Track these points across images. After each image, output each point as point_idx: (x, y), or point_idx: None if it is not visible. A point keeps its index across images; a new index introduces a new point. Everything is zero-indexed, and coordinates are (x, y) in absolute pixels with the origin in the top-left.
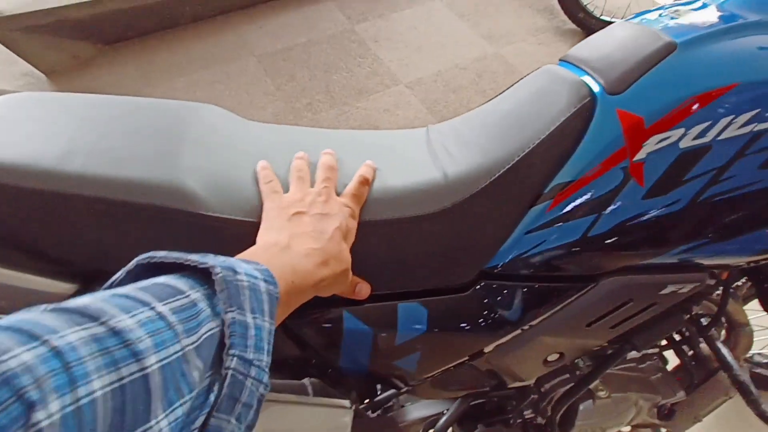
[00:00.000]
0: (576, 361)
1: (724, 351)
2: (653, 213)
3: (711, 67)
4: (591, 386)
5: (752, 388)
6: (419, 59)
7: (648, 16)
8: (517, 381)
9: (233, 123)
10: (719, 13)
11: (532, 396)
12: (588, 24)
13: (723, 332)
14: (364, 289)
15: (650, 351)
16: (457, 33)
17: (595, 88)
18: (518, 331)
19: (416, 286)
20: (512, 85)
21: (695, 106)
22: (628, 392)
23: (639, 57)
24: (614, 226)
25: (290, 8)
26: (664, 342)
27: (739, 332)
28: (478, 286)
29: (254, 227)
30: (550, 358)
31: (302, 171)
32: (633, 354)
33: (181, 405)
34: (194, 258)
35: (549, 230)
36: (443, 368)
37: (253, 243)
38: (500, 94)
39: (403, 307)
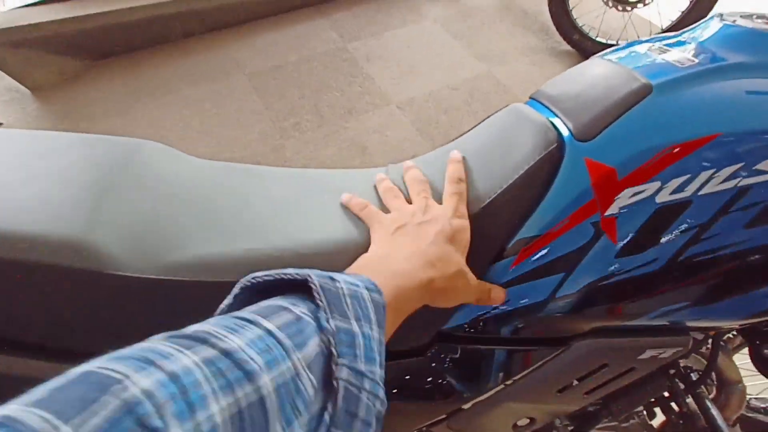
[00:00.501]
0: (555, 420)
1: (714, 411)
2: (628, 272)
3: (690, 114)
4: None
5: None
6: (411, 79)
7: (637, 48)
8: None
9: (174, 162)
10: (700, 53)
11: None
12: (583, 45)
13: (714, 389)
14: (500, 293)
15: (635, 408)
16: (451, 53)
17: (564, 133)
18: (481, 397)
19: None
20: (479, 123)
21: (672, 158)
22: None
23: (611, 100)
24: (585, 286)
25: (283, 26)
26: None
27: (730, 390)
28: (435, 349)
29: (174, 286)
30: (520, 423)
31: (393, 190)
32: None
33: (298, 423)
34: (291, 271)
35: (513, 289)
36: None
37: (174, 302)
38: (466, 132)
39: None
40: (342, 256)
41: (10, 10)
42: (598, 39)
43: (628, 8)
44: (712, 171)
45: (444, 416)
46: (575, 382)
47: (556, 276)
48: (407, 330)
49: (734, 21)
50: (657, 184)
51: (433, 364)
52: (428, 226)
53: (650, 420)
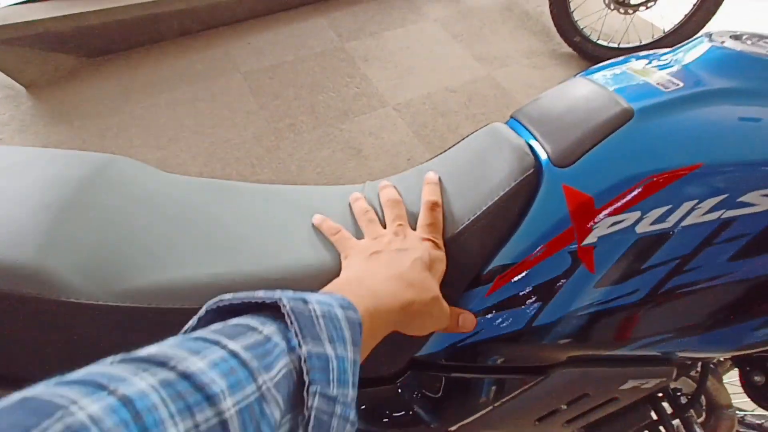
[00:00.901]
0: None
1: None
2: (607, 303)
3: (672, 141)
4: None
5: None
6: (409, 80)
7: (621, 66)
8: None
9: (143, 179)
10: (685, 75)
11: None
12: (584, 48)
13: (703, 413)
14: (468, 321)
15: None
16: (450, 54)
17: (542, 157)
18: (455, 426)
19: None
20: (458, 142)
21: (653, 188)
22: None
23: (591, 125)
24: (563, 316)
25: (280, 24)
26: None
27: (719, 415)
28: (407, 376)
29: (132, 313)
30: None
31: (369, 212)
32: None
33: None
34: (261, 294)
35: (489, 317)
36: None
37: (132, 329)
38: (445, 151)
39: None
40: (312, 281)
41: (3, 7)
42: (599, 41)
43: (630, 11)
44: (694, 202)
45: None
46: (555, 412)
47: (533, 305)
48: (380, 357)
49: (723, 42)
50: (637, 214)
51: (406, 393)
52: (405, 253)
53: None
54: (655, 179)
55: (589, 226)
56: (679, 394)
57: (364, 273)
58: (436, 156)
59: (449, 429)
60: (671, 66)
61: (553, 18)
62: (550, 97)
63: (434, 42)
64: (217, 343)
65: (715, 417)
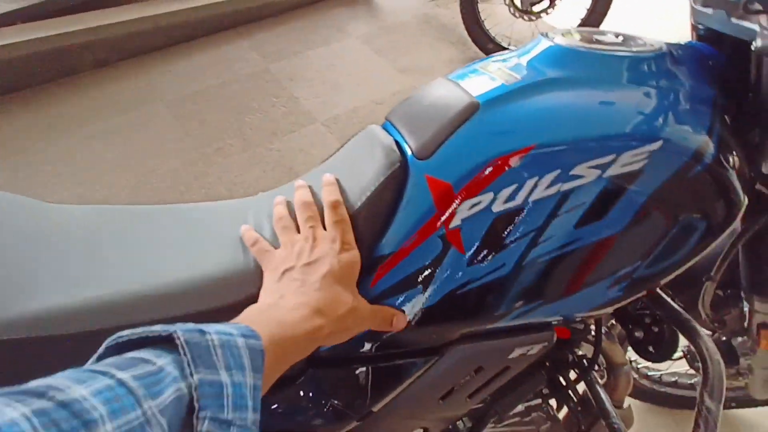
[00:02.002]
0: (458, 423)
1: (603, 395)
2: (481, 279)
3: (511, 127)
4: None
5: None
6: (336, 96)
7: (477, 66)
8: None
9: (25, 213)
10: (525, 70)
11: None
12: None
13: (605, 374)
14: (401, 320)
15: (533, 402)
16: (374, 68)
17: (408, 152)
18: (364, 417)
19: None
20: (342, 146)
21: (499, 170)
22: None
23: (444, 119)
24: (444, 297)
25: (202, 50)
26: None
27: (617, 373)
28: (306, 375)
29: (8, 346)
30: None
31: (284, 219)
32: (518, 408)
33: None
34: (157, 328)
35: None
36: None
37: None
38: (329, 157)
39: None
40: (222, 291)
41: None
42: (510, 47)
43: (534, 17)
44: (535, 179)
45: None
46: (456, 388)
47: (415, 290)
48: None
49: (556, 40)
50: (490, 195)
51: (307, 391)
52: (315, 267)
53: (557, 412)
54: (499, 162)
55: (452, 210)
56: (584, 360)
57: (277, 299)
58: (325, 160)
59: (360, 419)
60: (515, 63)
61: (466, 28)
62: (415, 97)
63: (358, 58)
64: (105, 373)
65: (614, 375)
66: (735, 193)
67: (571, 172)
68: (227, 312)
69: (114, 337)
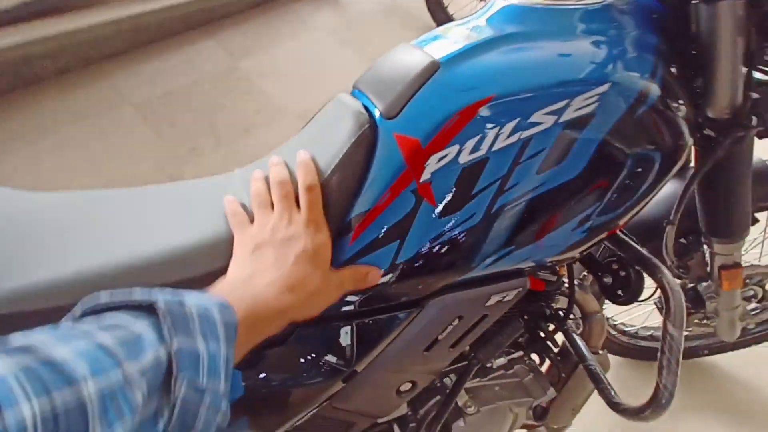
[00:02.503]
0: (445, 379)
1: (579, 342)
2: (453, 230)
3: (470, 81)
4: (460, 404)
5: (603, 377)
6: (306, 89)
7: (437, 31)
8: (379, 418)
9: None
10: (482, 29)
11: (411, 425)
12: None
13: (581, 323)
14: (374, 275)
15: (515, 355)
16: (342, 59)
17: (376, 114)
18: (354, 373)
19: None
20: (312, 117)
21: (462, 122)
22: (498, 402)
23: (408, 79)
24: (420, 249)
25: (167, 51)
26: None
27: (591, 321)
28: (296, 334)
29: None
30: (402, 389)
31: (261, 195)
32: (500, 361)
33: (122, 427)
34: (137, 296)
35: (357, 263)
36: (286, 427)
37: None
38: (303, 128)
39: None
40: (195, 263)
41: None
42: None
43: None
44: (497, 129)
45: (326, 398)
46: (439, 339)
47: (393, 244)
48: None
49: (510, 1)
50: (456, 147)
51: (296, 351)
52: (289, 245)
53: (540, 365)
54: (462, 115)
55: (422, 165)
56: (560, 312)
57: (250, 272)
58: (295, 135)
59: (349, 376)
60: (474, 25)
61: (430, 14)
62: (380, 63)
63: (325, 50)
64: (87, 334)
65: (589, 323)
66: (680, 133)
67: (530, 120)
68: (200, 282)
69: (92, 299)
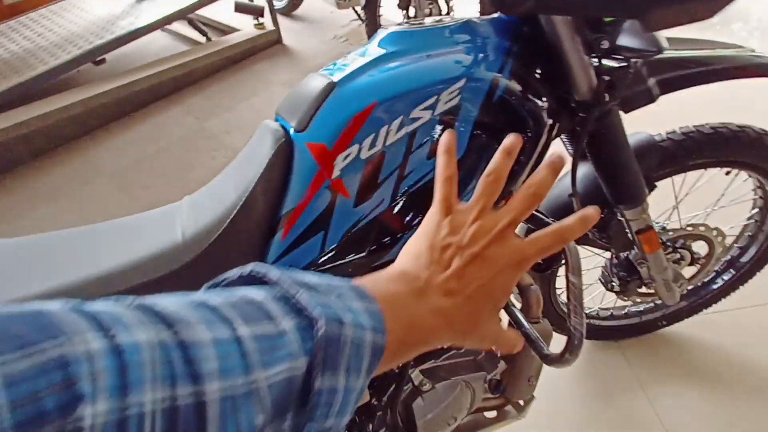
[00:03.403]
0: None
1: (518, 315)
2: (369, 216)
3: (359, 93)
4: (416, 383)
5: (541, 342)
6: None
7: (337, 61)
8: None
9: None
10: (369, 52)
11: (378, 413)
12: None
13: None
14: (519, 344)
15: None
16: None
17: (291, 130)
18: None
19: None
20: (245, 145)
21: (357, 125)
22: (452, 378)
23: (312, 98)
24: (343, 236)
25: (137, 122)
26: None
27: (527, 294)
28: None
29: None
30: None
31: (500, 177)
32: None
33: None
34: (304, 297)
35: (290, 256)
36: None
37: None
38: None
39: None
40: (158, 265)
41: None
42: None
43: None
44: (386, 127)
45: None
46: None
47: (318, 235)
48: None
49: (390, 29)
50: (357, 146)
51: None
52: (479, 266)
53: None
54: (355, 120)
55: (331, 164)
56: None
57: (424, 283)
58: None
59: None
60: (364, 51)
61: None
62: (293, 91)
63: None
64: (228, 321)
65: (525, 296)
66: (538, 115)
67: (411, 116)
68: (161, 282)
69: (252, 268)
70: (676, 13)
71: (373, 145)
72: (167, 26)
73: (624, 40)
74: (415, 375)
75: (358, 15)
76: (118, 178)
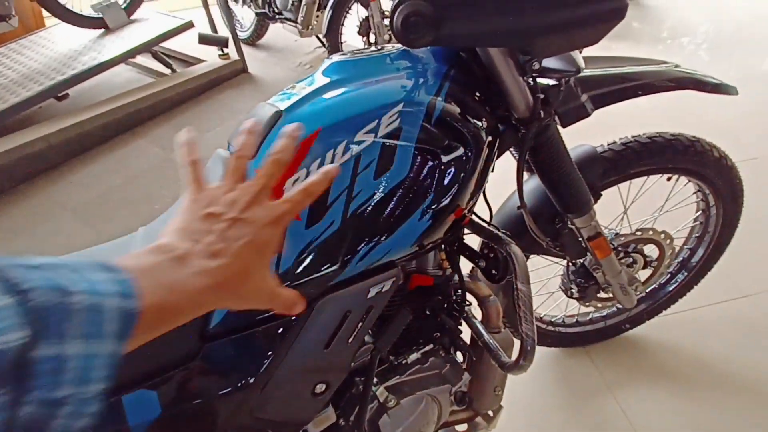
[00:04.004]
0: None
1: (479, 326)
2: (320, 237)
3: (305, 119)
4: (381, 400)
5: (499, 351)
6: None
7: (286, 90)
8: (304, 424)
9: None
10: (315, 82)
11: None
12: None
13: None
14: (299, 306)
15: (427, 348)
16: None
17: None
18: (265, 384)
19: (138, 373)
20: None
21: (304, 151)
22: (417, 393)
23: (263, 125)
24: (296, 258)
25: (101, 156)
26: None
27: (486, 305)
28: (204, 350)
29: None
30: (317, 390)
31: (239, 170)
32: (414, 357)
33: None
34: (19, 274)
35: None
36: None
37: None
38: None
39: (128, 399)
40: None
41: None
42: None
43: None
44: (331, 151)
45: (245, 409)
46: (335, 335)
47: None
48: (170, 341)
49: (333, 59)
50: (304, 171)
51: (207, 364)
52: (241, 228)
53: (452, 354)
54: (301, 146)
55: (281, 189)
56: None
57: (185, 250)
58: None
59: (262, 383)
60: (310, 80)
61: None
62: (243, 120)
63: None
64: None
65: (485, 307)
66: (476, 132)
67: (354, 140)
68: None
69: None
70: (560, 41)
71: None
72: (131, 59)
73: (548, 62)
74: (380, 392)
75: (322, 42)
76: (82, 212)
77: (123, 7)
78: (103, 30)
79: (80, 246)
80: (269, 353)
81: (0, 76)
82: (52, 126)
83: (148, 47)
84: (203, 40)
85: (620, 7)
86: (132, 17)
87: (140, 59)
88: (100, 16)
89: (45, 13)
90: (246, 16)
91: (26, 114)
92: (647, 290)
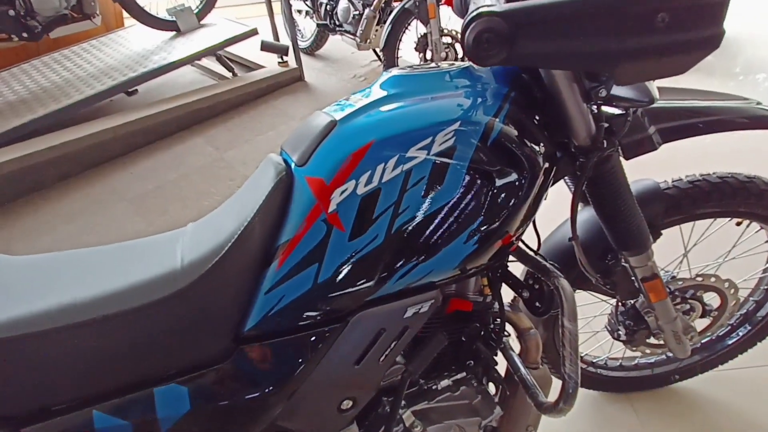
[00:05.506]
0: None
1: (516, 359)
2: (362, 251)
3: (358, 131)
4: (407, 425)
5: (537, 389)
6: None
7: (341, 100)
8: None
9: None
10: (374, 93)
11: None
12: None
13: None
14: None
15: (459, 376)
16: None
17: (292, 165)
18: (292, 394)
19: (172, 368)
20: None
21: (355, 162)
22: (444, 422)
23: (314, 135)
24: (336, 269)
25: (160, 151)
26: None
27: (526, 338)
28: (237, 352)
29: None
30: (343, 406)
31: None
32: (445, 383)
33: None
34: None
35: (284, 285)
36: None
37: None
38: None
39: (160, 391)
40: (152, 289)
41: None
42: None
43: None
44: (382, 164)
45: (271, 416)
46: (367, 352)
47: (313, 266)
48: (204, 340)
49: (392, 72)
50: (353, 182)
51: (238, 366)
52: None
53: (485, 385)
54: (353, 157)
55: (328, 198)
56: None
57: None
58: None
59: (291, 393)
60: (368, 92)
61: None
62: (298, 128)
63: None
64: None
65: (524, 340)
66: (533, 157)
67: (407, 155)
68: (157, 305)
69: None
70: (644, 68)
71: (369, 181)
72: (197, 61)
73: (618, 90)
74: (407, 416)
75: (378, 56)
76: (137, 203)
77: (195, 12)
78: (174, 32)
79: (131, 235)
80: (300, 362)
81: (80, 69)
82: (119, 119)
83: (214, 51)
84: (265, 47)
85: (716, 35)
86: (202, 22)
87: (205, 61)
88: (174, 19)
89: (125, 14)
90: (307, 27)
91: (98, 106)
92: (703, 341)
